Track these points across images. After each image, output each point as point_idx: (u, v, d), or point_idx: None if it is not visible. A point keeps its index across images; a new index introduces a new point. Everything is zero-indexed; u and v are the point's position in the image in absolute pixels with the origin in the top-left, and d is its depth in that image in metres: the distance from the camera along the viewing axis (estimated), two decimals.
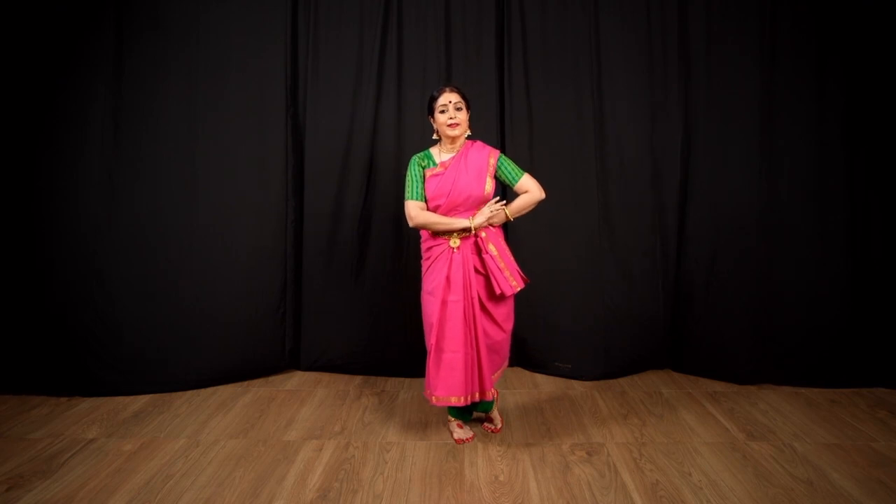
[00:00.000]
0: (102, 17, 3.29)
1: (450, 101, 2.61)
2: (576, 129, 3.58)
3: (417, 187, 2.65)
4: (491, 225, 2.67)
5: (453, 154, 2.68)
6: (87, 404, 3.12)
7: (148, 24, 3.33)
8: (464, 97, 2.66)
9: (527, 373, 3.65)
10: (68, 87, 3.26)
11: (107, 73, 3.29)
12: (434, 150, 2.73)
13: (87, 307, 3.24)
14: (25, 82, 3.23)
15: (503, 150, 3.54)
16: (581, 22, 3.56)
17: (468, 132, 2.71)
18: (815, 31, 3.40)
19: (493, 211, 2.57)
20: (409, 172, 2.69)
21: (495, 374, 2.71)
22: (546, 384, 3.47)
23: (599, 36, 3.56)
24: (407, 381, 3.47)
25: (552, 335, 3.59)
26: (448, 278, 2.58)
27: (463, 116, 2.64)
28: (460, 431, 2.74)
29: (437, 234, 2.66)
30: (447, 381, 2.55)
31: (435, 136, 2.73)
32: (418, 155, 2.73)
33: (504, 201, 2.59)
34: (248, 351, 3.47)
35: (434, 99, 2.65)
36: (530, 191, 2.68)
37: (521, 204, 2.68)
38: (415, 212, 2.61)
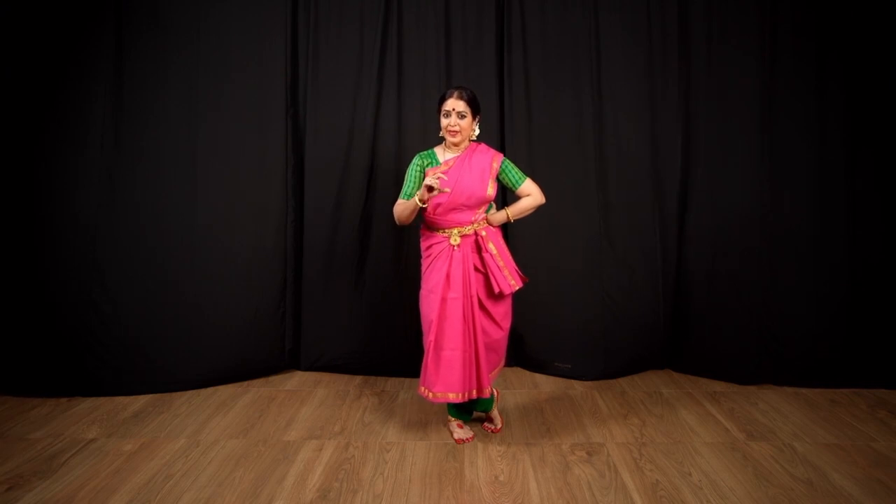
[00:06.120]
0: (102, 17, 3.28)
1: (454, 109, 2.60)
2: (576, 128, 3.58)
3: (408, 187, 2.65)
4: (490, 224, 2.69)
5: (457, 154, 2.68)
6: (87, 404, 3.12)
7: (148, 24, 3.33)
8: (471, 104, 2.62)
9: (527, 373, 3.65)
10: (68, 87, 3.26)
11: (107, 73, 3.28)
12: (438, 150, 2.73)
13: (87, 307, 3.24)
14: (25, 82, 3.22)
15: (503, 150, 3.54)
16: (581, 22, 3.56)
17: (474, 135, 2.70)
18: (816, 31, 3.40)
19: (435, 179, 2.42)
20: (408, 171, 2.69)
21: (493, 373, 2.72)
22: (546, 384, 3.47)
23: (599, 36, 3.56)
24: (407, 381, 3.47)
25: (552, 335, 3.59)
26: (448, 276, 2.59)
27: (465, 124, 2.62)
28: (460, 431, 2.74)
29: (434, 230, 2.67)
30: (446, 378, 2.55)
31: (441, 135, 2.72)
32: (422, 153, 2.73)
33: (443, 172, 2.52)
34: (248, 351, 3.47)
35: (443, 100, 2.64)
36: (532, 195, 2.69)
37: (521, 206, 2.70)
38: (394, 209, 2.66)
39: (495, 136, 3.58)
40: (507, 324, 2.73)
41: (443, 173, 2.52)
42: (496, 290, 2.62)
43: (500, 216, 2.70)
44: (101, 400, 3.17)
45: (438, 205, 2.61)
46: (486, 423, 2.86)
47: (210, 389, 3.34)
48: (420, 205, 2.54)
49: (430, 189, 2.45)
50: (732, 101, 3.47)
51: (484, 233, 2.65)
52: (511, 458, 2.57)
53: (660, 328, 3.62)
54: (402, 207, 2.61)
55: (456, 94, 2.61)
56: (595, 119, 3.57)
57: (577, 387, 3.42)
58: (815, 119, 3.41)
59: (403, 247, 3.55)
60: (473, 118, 2.65)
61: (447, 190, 2.52)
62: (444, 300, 2.58)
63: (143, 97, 3.33)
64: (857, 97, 3.38)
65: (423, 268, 2.72)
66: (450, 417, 2.79)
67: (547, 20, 3.59)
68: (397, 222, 2.68)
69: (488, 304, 2.66)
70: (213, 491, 2.29)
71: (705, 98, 3.53)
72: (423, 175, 2.66)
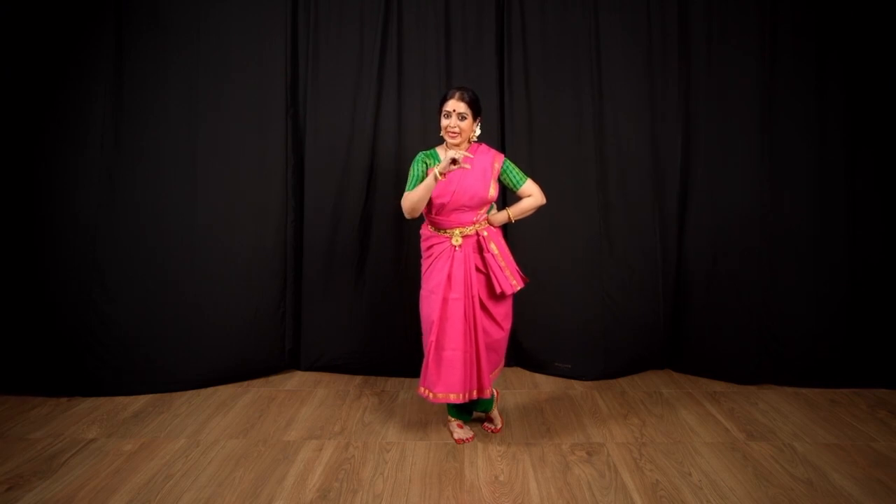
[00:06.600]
0: (102, 17, 3.28)
1: (454, 110, 2.59)
2: (576, 128, 3.58)
3: (414, 182, 2.62)
4: (491, 225, 2.69)
5: None
6: (87, 404, 3.12)
7: (148, 24, 3.33)
8: (472, 106, 2.60)
9: (527, 373, 3.65)
10: (68, 87, 3.26)
11: (107, 73, 3.28)
12: (440, 150, 2.73)
13: (87, 307, 3.24)
14: (25, 82, 3.22)
15: (503, 150, 3.54)
16: (581, 22, 3.56)
17: (475, 136, 2.69)
18: (816, 31, 3.40)
19: (455, 155, 2.41)
20: (411, 168, 2.67)
21: (493, 373, 2.72)
22: (546, 384, 3.47)
23: (599, 36, 3.56)
24: (407, 381, 3.47)
25: (552, 335, 3.59)
26: (450, 276, 2.59)
27: (465, 126, 2.60)
28: (460, 431, 2.75)
29: (436, 231, 2.67)
30: (447, 378, 2.55)
31: (441, 135, 2.71)
32: (424, 152, 2.72)
33: (463, 154, 2.47)
34: (248, 351, 3.47)
35: (444, 100, 2.63)
36: (533, 195, 2.70)
37: (522, 207, 2.70)
38: (403, 201, 2.60)
39: (495, 136, 3.58)
40: (507, 324, 2.74)
41: (463, 161, 2.46)
42: (498, 290, 2.62)
43: (501, 216, 2.70)
44: (101, 400, 3.17)
45: (441, 206, 2.61)
46: (486, 423, 2.86)
47: (210, 389, 3.34)
48: (440, 178, 2.47)
49: (454, 161, 2.41)
50: (732, 101, 3.47)
51: (485, 233, 2.65)
52: (511, 458, 2.57)
53: (660, 328, 3.62)
54: (415, 192, 2.54)
55: (457, 95, 2.60)
56: (595, 119, 3.56)
57: (577, 387, 3.42)
58: (815, 119, 3.41)
59: (403, 247, 3.55)
60: (474, 120, 2.64)
61: (468, 166, 2.49)
62: (445, 301, 2.58)
63: (143, 97, 3.33)
64: (857, 97, 3.38)
65: (424, 268, 2.72)
66: (450, 417, 2.79)
67: (547, 20, 3.58)
68: (407, 213, 2.59)
69: (489, 304, 2.66)
70: (213, 491, 2.29)
71: (705, 98, 3.53)
72: (427, 174, 2.65)
